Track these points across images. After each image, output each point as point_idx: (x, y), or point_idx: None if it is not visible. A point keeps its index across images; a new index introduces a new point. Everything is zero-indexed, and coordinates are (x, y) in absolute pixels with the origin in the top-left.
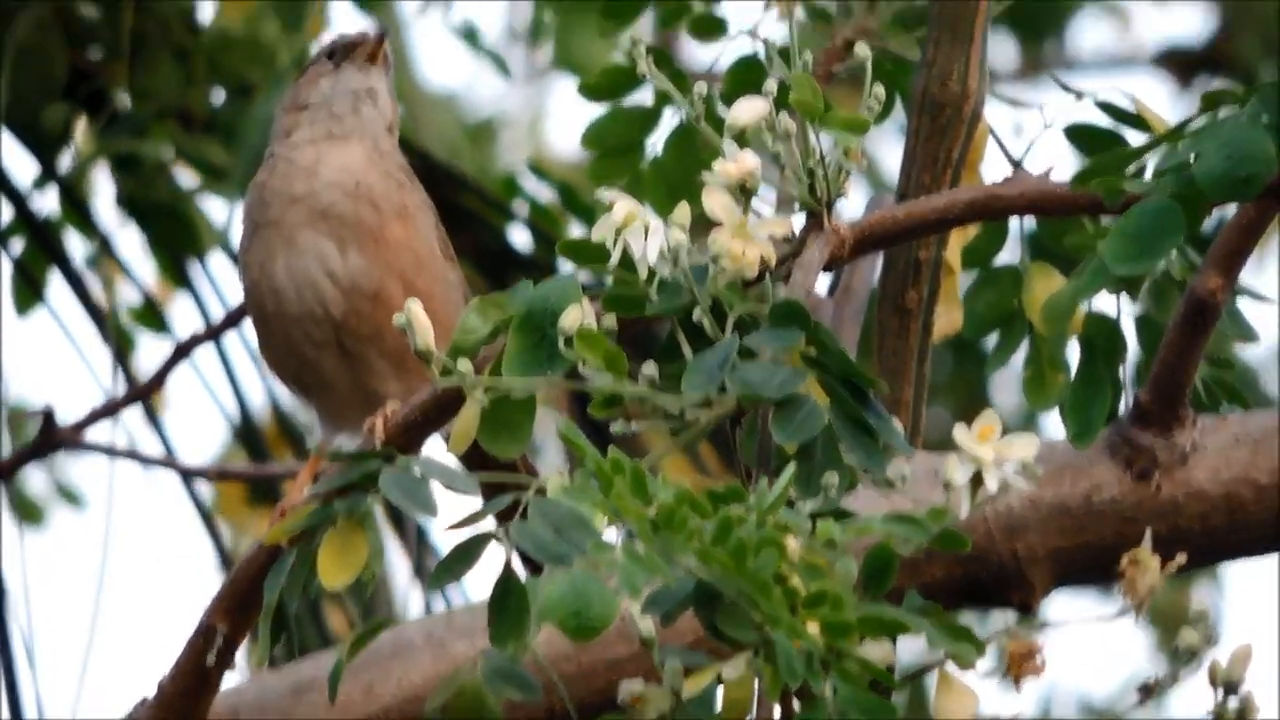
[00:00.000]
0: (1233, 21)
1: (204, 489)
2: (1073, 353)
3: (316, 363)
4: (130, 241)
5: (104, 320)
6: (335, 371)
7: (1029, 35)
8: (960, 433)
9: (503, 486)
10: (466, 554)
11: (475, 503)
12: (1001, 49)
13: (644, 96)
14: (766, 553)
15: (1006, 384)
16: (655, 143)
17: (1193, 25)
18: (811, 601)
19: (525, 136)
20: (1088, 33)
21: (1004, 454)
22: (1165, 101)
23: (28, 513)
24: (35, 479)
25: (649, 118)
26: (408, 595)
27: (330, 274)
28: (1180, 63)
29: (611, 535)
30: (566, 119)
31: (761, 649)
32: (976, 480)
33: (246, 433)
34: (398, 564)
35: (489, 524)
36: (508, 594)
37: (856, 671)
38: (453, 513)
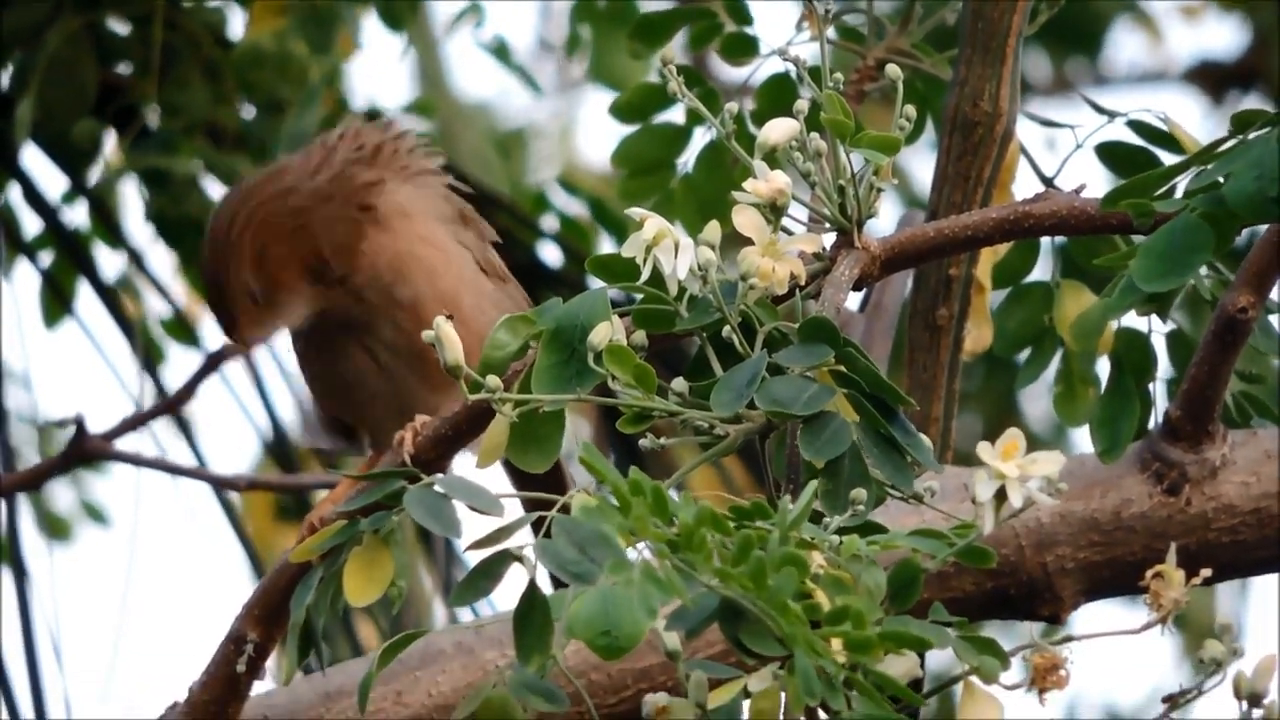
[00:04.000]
0: (1265, 35)
1: (234, 499)
2: (1103, 368)
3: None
4: (160, 256)
5: (133, 333)
6: (376, 385)
7: (1061, 51)
8: (985, 450)
9: (538, 502)
10: (489, 572)
11: (500, 520)
12: (1033, 64)
13: (675, 115)
14: (786, 572)
15: (1037, 392)
16: (686, 161)
17: (1225, 39)
18: (833, 618)
19: (557, 147)
20: (1120, 48)
21: (1028, 471)
22: (1197, 118)
23: (55, 528)
24: (63, 497)
25: (680, 136)
26: (436, 606)
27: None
28: (1212, 77)
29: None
30: (599, 129)
31: (786, 663)
32: (1001, 496)
33: (278, 446)
34: (426, 575)
35: (515, 540)
36: (532, 609)
37: (876, 688)
38: (481, 527)
